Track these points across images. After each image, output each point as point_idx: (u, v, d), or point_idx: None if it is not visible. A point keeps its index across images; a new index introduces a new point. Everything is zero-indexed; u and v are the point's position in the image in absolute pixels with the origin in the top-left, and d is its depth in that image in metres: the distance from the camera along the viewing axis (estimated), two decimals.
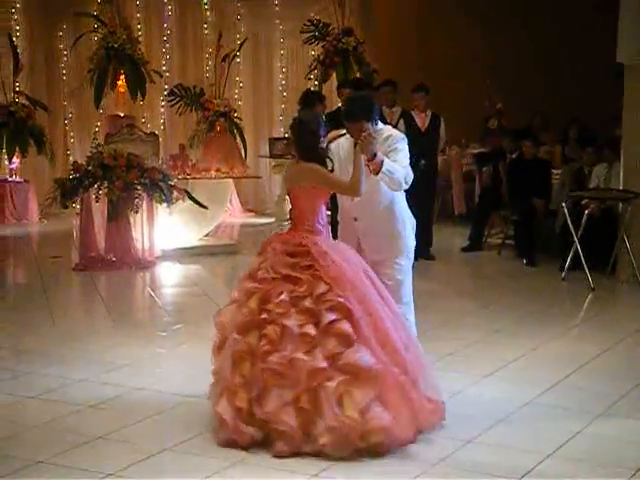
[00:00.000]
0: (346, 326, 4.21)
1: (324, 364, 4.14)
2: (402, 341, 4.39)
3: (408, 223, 4.93)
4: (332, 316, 4.23)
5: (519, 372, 5.57)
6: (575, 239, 8.28)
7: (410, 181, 4.67)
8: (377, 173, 4.48)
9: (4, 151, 11.60)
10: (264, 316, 4.28)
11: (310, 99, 8.47)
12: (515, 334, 6.47)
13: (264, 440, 4.20)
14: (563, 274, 8.40)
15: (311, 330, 4.20)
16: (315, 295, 4.27)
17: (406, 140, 4.80)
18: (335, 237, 4.92)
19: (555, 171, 10.00)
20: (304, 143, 4.59)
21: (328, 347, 4.18)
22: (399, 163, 4.60)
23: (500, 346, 6.15)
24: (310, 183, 4.52)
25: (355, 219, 4.86)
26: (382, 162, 4.46)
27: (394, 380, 4.21)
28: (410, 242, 4.93)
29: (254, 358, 4.25)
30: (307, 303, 4.26)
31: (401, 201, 4.88)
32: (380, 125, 4.82)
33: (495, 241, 10.37)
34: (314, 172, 4.51)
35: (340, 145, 4.80)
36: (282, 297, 4.27)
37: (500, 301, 7.66)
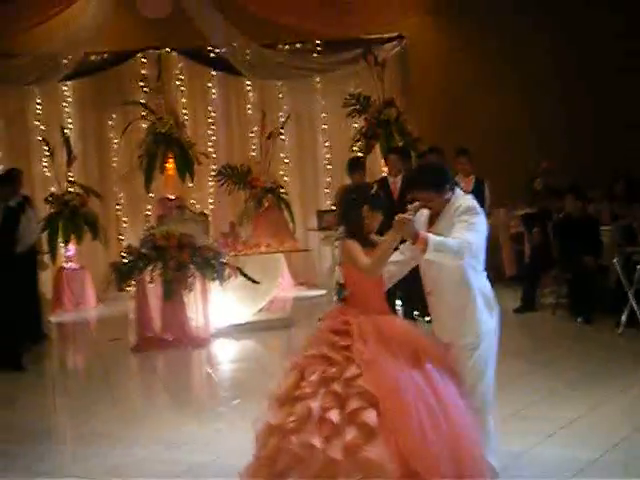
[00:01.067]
0: (370, 415, 4.05)
1: (339, 456, 3.99)
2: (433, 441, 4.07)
3: (484, 303, 4.48)
4: (357, 403, 4.09)
5: (582, 431, 5.51)
6: (629, 295, 8.20)
7: (466, 252, 4.28)
8: (424, 252, 4.22)
9: (60, 239, 11.88)
10: (297, 393, 4.21)
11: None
12: (575, 393, 6.40)
13: None
14: (620, 330, 8.30)
15: (334, 416, 4.07)
16: (344, 378, 4.16)
17: (476, 210, 4.45)
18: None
19: (604, 227, 9.95)
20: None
21: (348, 437, 4.02)
22: (457, 234, 4.30)
23: (560, 405, 6.09)
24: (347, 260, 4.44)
25: (429, 293, 4.60)
26: (427, 240, 4.19)
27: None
28: (484, 325, 4.47)
29: (282, 434, 4.16)
30: (336, 386, 4.15)
31: (475, 277, 4.48)
32: (457, 193, 4.55)
33: (548, 301, 10.30)
34: (345, 247, 4.42)
35: (423, 215, 4.57)
36: (313, 377, 4.20)
37: (557, 360, 7.58)
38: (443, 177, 4.54)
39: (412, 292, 7.22)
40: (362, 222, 4.42)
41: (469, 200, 4.53)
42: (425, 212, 4.56)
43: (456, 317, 4.49)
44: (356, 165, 9.74)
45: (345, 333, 4.31)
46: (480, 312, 4.48)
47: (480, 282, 4.51)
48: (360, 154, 12.60)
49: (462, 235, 4.30)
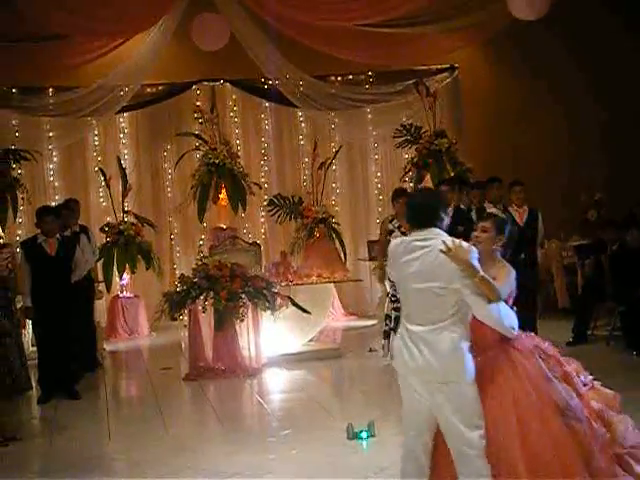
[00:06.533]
0: None
1: None
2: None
3: (401, 341, 4.43)
4: None
5: None
6: None
7: None
8: None
9: (115, 268, 12.04)
10: None
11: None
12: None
13: None
14: None
15: None
16: None
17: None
18: None
19: None
20: None
21: None
22: None
23: None
24: None
25: None
26: None
27: None
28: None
29: None
30: None
31: None
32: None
33: (601, 333, 10.15)
34: None
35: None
36: None
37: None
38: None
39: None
40: None
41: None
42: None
43: None
44: (396, 194, 9.73)
45: None
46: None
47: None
48: (411, 184, 12.62)
49: None
